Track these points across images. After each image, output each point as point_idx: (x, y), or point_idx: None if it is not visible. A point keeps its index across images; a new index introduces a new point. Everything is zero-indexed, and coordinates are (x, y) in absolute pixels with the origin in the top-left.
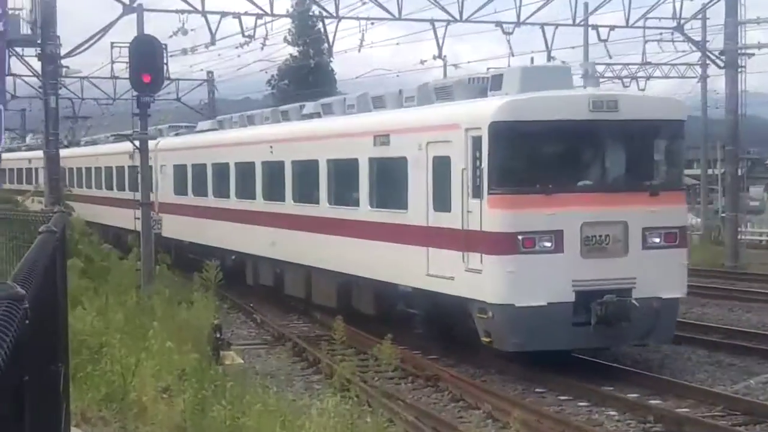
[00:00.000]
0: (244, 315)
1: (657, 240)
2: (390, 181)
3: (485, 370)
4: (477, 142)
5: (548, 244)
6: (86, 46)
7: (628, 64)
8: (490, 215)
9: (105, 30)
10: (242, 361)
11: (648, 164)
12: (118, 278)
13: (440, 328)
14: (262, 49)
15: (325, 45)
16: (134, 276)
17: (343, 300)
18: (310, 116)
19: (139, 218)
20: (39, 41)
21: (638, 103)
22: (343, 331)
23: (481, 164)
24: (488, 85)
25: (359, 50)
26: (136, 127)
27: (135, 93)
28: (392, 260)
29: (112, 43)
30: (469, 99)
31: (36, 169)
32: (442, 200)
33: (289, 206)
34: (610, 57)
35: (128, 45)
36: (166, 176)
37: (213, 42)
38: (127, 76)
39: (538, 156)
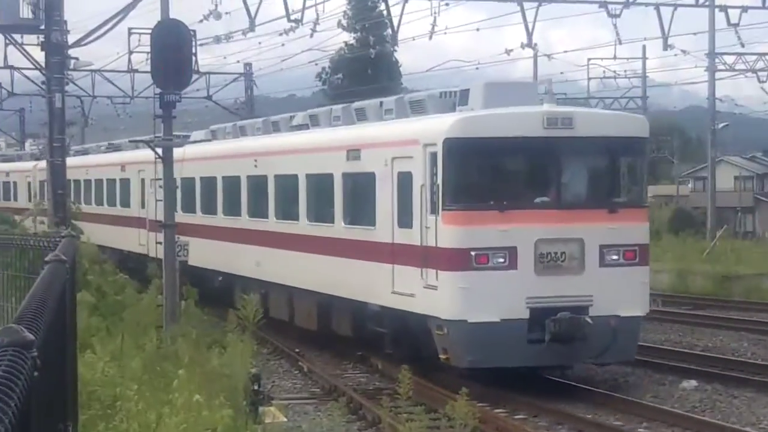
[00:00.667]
0: (287, 362)
1: (615, 257)
2: (361, 196)
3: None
4: (434, 158)
5: (502, 261)
6: (99, 33)
7: (765, 54)
8: (445, 231)
9: (122, 14)
10: (286, 420)
11: (606, 181)
12: (136, 316)
13: (408, 347)
14: (311, 36)
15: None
16: (155, 313)
17: (323, 322)
18: (299, 128)
19: (160, 243)
20: (42, 27)
21: (595, 120)
22: (409, 384)
23: (437, 180)
24: (457, 99)
25: (430, 37)
26: (158, 131)
27: (157, 90)
28: (363, 278)
29: (129, 29)
30: (440, 113)
31: (30, 183)
32: (405, 216)
33: (272, 224)
34: (742, 45)
35: (149, 31)
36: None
37: (252, 28)
38: (147, 69)
39: (493, 172)
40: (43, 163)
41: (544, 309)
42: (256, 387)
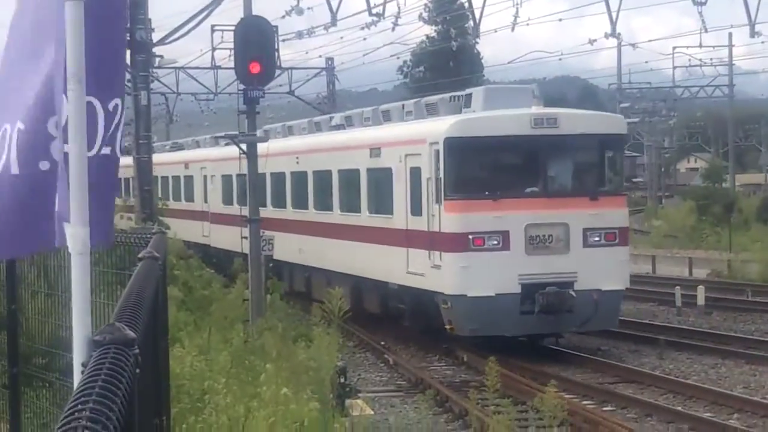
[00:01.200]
0: (373, 355)
1: (597, 239)
2: (381, 189)
3: (677, 426)
4: (437, 154)
5: (496, 243)
6: (183, 30)
7: None
8: (446, 218)
9: (206, 11)
10: (372, 412)
11: (588, 173)
12: (223, 310)
13: (423, 320)
14: (393, 29)
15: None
16: (241, 308)
17: (356, 302)
18: (336, 128)
19: (246, 237)
20: (127, 25)
21: (577, 119)
22: (496, 376)
23: (440, 174)
24: (462, 103)
25: (512, 29)
26: (242, 127)
27: (241, 86)
28: (384, 261)
29: (213, 26)
30: (449, 115)
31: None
32: (416, 205)
33: (311, 214)
34: None
35: (233, 28)
36: (215, 187)
37: (334, 22)
38: (231, 65)
39: (487, 166)
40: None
41: (534, 284)
42: (342, 380)
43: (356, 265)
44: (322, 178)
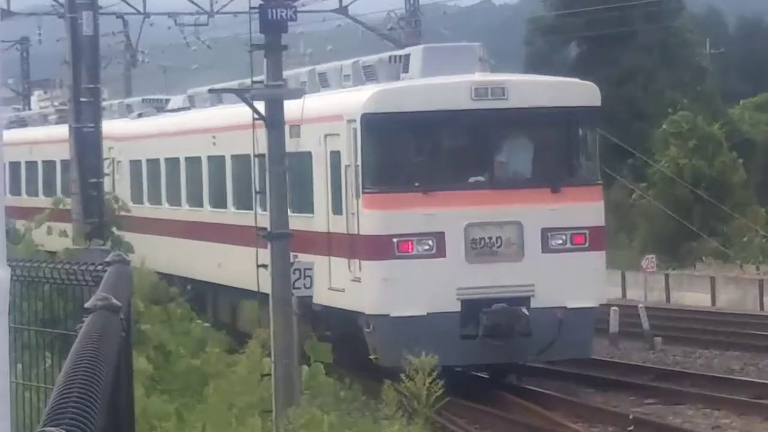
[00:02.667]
0: None
1: (561, 242)
2: (301, 180)
3: None
4: (355, 135)
5: (428, 248)
6: None
7: None
8: (365, 216)
9: None
10: None
11: (548, 157)
12: (227, 394)
13: (352, 351)
14: None
15: None
16: (258, 389)
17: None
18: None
19: (263, 266)
20: None
21: (532, 88)
22: None
23: (357, 160)
24: (401, 66)
25: None
26: (257, 71)
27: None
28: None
29: None
30: (386, 81)
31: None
32: (336, 201)
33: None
34: None
35: None
36: (123, 177)
37: None
38: None
39: (416, 150)
40: (111, 126)
41: (478, 301)
42: None
43: (232, 275)
44: (220, 165)
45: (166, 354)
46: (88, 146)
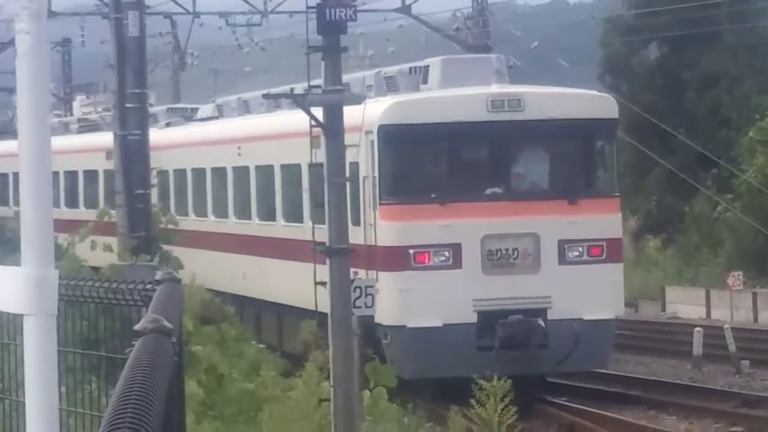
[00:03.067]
0: None
1: (578, 254)
2: (321, 191)
3: None
4: (372, 146)
5: (444, 259)
6: None
7: None
8: (382, 227)
9: None
10: None
11: (565, 169)
12: (282, 420)
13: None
14: None
15: None
16: (316, 415)
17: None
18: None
19: (321, 283)
20: None
21: (549, 100)
22: None
23: (374, 172)
24: (420, 77)
25: None
26: (314, 74)
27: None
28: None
29: None
30: (406, 92)
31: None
32: (355, 212)
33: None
34: None
35: None
36: (166, 189)
37: None
38: None
39: (433, 162)
40: (159, 136)
41: (494, 312)
42: None
43: (282, 292)
44: (264, 174)
45: (218, 377)
46: (134, 155)
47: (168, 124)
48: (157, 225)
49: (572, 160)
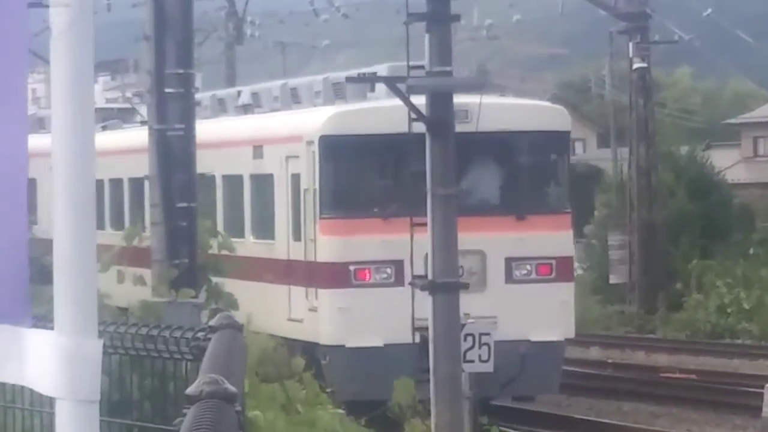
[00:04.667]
0: None
1: (526, 272)
2: (264, 204)
3: None
4: (314, 158)
5: (386, 276)
6: None
7: None
8: (322, 243)
9: None
10: None
11: (514, 183)
12: None
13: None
14: None
15: None
16: None
17: None
18: (245, 109)
19: (420, 327)
20: None
21: (498, 111)
22: None
23: (315, 184)
24: (367, 85)
25: None
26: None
27: None
28: (267, 304)
29: None
30: (353, 100)
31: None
32: (296, 226)
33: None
34: None
35: None
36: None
37: None
38: None
39: (376, 175)
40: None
41: None
42: None
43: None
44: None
45: None
46: (175, 157)
47: (104, 128)
48: (205, 249)
49: (522, 174)
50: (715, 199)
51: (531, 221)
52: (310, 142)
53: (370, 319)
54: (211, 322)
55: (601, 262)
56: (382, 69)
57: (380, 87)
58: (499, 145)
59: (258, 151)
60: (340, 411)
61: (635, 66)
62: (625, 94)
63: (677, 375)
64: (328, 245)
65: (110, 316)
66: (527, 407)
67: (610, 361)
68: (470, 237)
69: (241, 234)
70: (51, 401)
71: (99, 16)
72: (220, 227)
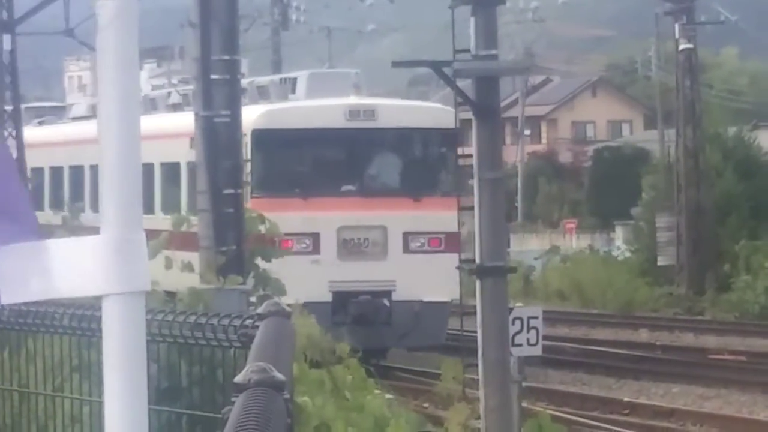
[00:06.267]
0: None
1: (419, 244)
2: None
3: None
4: (246, 148)
5: (305, 246)
6: None
7: None
8: None
9: None
10: None
11: (411, 171)
12: None
13: None
14: None
15: None
16: None
17: None
18: (174, 108)
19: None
20: None
21: (399, 111)
22: None
23: (247, 169)
24: (289, 87)
25: None
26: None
27: None
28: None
29: None
30: (276, 100)
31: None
32: None
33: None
34: None
35: None
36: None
37: None
38: None
39: (297, 162)
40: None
41: (347, 293)
42: None
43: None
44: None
45: None
46: (222, 143)
47: (41, 123)
48: (253, 235)
49: (417, 163)
50: (763, 179)
51: (425, 202)
52: (243, 135)
53: (291, 281)
54: (259, 310)
55: (649, 244)
56: (302, 75)
57: (300, 90)
58: (399, 139)
59: (194, 142)
60: (389, 396)
61: (681, 47)
62: (672, 75)
63: (726, 356)
64: None
65: (158, 303)
66: (577, 390)
67: (658, 343)
68: (374, 215)
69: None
70: (99, 390)
71: (144, 3)
72: (158, 208)
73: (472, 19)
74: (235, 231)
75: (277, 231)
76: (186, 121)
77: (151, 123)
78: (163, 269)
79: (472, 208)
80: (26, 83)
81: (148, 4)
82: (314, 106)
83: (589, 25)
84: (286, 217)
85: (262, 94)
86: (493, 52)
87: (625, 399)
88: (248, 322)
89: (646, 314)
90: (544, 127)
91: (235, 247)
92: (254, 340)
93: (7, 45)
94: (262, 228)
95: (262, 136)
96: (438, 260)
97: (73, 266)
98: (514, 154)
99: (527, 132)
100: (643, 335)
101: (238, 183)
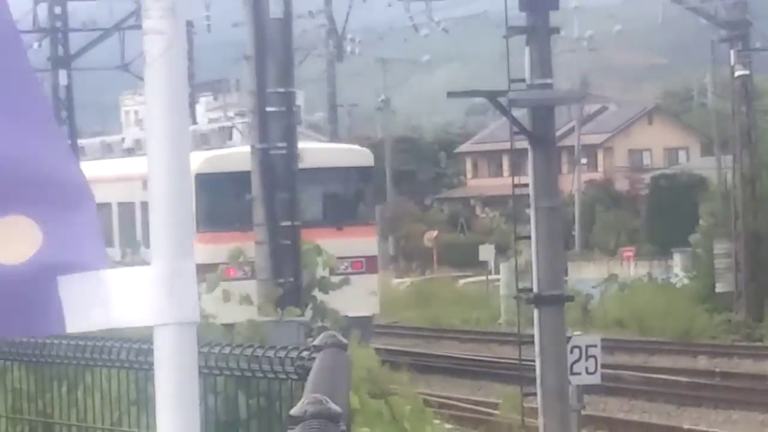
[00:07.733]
0: None
1: (344, 267)
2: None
3: None
4: (192, 189)
5: (244, 273)
6: None
7: None
8: (200, 250)
9: None
10: None
11: (334, 204)
12: None
13: None
14: None
15: None
16: None
17: None
18: (129, 152)
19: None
20: None
21: (322, 153)
22: None
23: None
24: (227, 134)
25: None
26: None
27: None
28: None
29: None
30: (217, 147)
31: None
32: None
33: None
34: None
35: None
36: None
37: None
38: None
39: (236, 200)
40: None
41: None
42: None
43: None
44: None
45: None
46: (278, 175)
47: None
48: (311, 267)
49: (339, 197)
50: None
51: (347, 231)
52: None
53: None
54: (315, 342)
55: (707, 271)
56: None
57: (236, 137)
58: (323, 177)
59: (146, 184)
60: (449, 426)
61: (737, 73)
62: (728, 102)
63: None
64: (204, 252)
65: (216, 335)
66: (637, 418)
67: (717, 370)
68: (305, 243)
69: (138, 247)
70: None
71: (199, 37)
72: (116, 243)
73: (527, 49)
74: (293, 263)
75: (332, 263)
76: (138, 164)
77: (108, 167)
78: (221, 302)
79: (529, 237)
80: (83, 118)
81: (203, 39)
82: (247, 151)
83: (644, 53)
84: (227, 248)
85: (204, 141)
86: (548, 81)
87: (686, 426)
88: (305, 353)
89: (705, 341)
90: (600, 156)
91: (292, 279)
92: (310, 372)
93: (63, 80)
94: (319, 260)
95: (204, 180)
96: (360, 280)
97: (127, 296)
98: (571, 182)
99: (584, 160)
100: (702, 362)
101: (295, 215)
